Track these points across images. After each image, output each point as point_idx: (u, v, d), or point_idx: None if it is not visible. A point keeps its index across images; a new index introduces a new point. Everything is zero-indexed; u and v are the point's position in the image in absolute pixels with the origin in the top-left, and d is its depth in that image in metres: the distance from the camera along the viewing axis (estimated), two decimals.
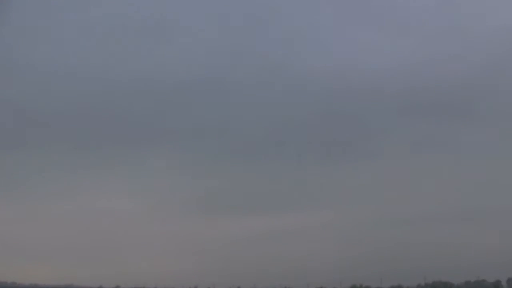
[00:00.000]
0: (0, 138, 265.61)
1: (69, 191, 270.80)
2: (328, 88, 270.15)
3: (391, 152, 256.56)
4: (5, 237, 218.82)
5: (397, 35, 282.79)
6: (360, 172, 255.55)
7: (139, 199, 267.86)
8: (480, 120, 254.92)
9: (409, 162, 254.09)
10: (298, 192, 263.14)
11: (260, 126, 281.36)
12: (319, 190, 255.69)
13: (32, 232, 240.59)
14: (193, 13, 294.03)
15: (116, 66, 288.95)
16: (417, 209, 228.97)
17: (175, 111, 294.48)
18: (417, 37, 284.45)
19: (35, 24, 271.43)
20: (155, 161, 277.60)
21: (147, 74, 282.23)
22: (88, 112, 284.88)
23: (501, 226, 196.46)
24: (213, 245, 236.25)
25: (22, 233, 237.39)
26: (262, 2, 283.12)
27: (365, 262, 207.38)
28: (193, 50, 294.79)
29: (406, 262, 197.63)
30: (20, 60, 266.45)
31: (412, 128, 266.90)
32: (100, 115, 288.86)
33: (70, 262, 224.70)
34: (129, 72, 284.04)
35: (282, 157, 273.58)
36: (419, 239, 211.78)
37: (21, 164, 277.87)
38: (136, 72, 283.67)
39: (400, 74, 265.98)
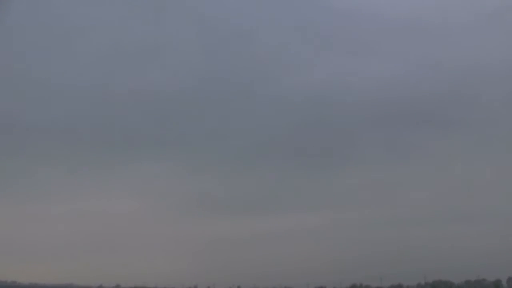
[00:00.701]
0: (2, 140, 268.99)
1: (70, 191, 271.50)
2: (312, 100, 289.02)
3: (372, 158, 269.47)
4: (5, 237, 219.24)
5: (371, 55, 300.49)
6: (345, 177, 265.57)
7: (140, 200, 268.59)
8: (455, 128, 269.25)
9: (390, 167, 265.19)
10: (295, 195, 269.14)
11: (249, 135, 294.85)
12: (315, 192, 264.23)
13: (32, 231, 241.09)
14: (183, 35, 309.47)
15: (120, 80, 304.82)
16: (410, 210, 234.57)
17: (172, 119, 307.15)
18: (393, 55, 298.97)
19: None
20: (156, 164, 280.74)
21: (147, 86, 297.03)
22: (94, 120, 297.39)
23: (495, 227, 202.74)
24: (213, 245, 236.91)
25: (22, 233, 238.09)
26: (246, 24, 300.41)
27: (365, 262, 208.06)
28: (185, 67, 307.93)
29: (406, 262, 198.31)
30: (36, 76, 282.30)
31: (391, 136, 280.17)
32: (105, 122, 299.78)
33: (70, 261, 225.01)
34: (131, 85, 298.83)
35: (275, 164, 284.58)
36: (419, 239, 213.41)
37: (22, 165, 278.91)
38: (137, 85, 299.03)
39: (379, 87, 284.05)
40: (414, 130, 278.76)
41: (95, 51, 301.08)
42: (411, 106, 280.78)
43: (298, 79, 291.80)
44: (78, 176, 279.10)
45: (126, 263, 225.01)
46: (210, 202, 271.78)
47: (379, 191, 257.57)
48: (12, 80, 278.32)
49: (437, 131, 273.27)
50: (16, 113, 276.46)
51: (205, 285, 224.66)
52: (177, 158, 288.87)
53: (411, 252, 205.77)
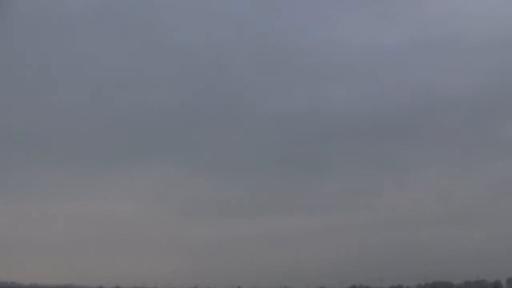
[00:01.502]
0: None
1: (70, 191, 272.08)
2: (294, 119, 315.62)
3: (350, 168, 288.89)
4: (5, 237, 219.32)
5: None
6: (329, 183, 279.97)
7: (140, 201, 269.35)
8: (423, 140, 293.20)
9: (367, 176, 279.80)
10: (291, 199, 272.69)
11: (244, 145, 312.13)
12: (308, 196, 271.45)
13: (32, 232, 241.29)
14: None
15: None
16: (401, 212, 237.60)
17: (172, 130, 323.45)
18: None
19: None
20: (157, 168, 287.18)
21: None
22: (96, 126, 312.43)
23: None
24: (213, 245, 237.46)
25: (22, 233, 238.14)
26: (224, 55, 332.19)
27: (365, 262, 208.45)
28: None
29: (406, 263, 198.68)
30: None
31: (365, 147, 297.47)
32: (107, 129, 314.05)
33: (70, 261, 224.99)
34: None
35: (270, 171, 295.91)
36: (419, 239, 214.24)
37: (21, 165, 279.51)
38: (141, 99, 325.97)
39: (354, 104, 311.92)
40: (386, 141, 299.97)
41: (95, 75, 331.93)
42: (382, 121, 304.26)
43: (281, 100, 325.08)
44: (78, 177, 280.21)
45: (126, 263, 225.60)
46: (210, 204, 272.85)
47: (363, 196, 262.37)
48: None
49: (406, 143, 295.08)
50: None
51: (205, 285, 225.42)
52: (179, 163, 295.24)
53: (410, 254, 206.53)
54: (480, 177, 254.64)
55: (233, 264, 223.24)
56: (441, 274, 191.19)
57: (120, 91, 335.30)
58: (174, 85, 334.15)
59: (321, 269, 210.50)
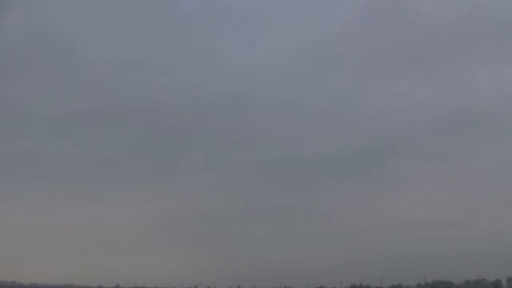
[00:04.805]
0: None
1: (71, 192, 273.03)
2: None
3: None
4: (5, 237, 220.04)
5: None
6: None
7: (140, 201, 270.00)
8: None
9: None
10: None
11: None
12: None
13: (32, 232, 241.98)
14: None
15: None
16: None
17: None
18: None
19: None
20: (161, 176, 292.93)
21: None
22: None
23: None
24: (213, 245, 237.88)
25: (23, 233, 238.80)
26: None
27: (365, 261, 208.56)
28: None
29: (406, 262, 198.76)
30: None
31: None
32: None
33: (70, 261, 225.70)
34: None
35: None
36: (420, 238, 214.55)
37: (23, 166, 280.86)
38: None
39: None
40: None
41: None
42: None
43: None
44: (80, 177, 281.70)
45: (126, 263, 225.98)
46: (210, 207, 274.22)
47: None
48: None
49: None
50: None
51: (205, 285, 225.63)
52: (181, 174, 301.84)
53: (411, 253, 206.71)
54: None
55: (233, 264, 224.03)
56: (441, 273, 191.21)
57: None
58: None
59: (321, 269, 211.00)
